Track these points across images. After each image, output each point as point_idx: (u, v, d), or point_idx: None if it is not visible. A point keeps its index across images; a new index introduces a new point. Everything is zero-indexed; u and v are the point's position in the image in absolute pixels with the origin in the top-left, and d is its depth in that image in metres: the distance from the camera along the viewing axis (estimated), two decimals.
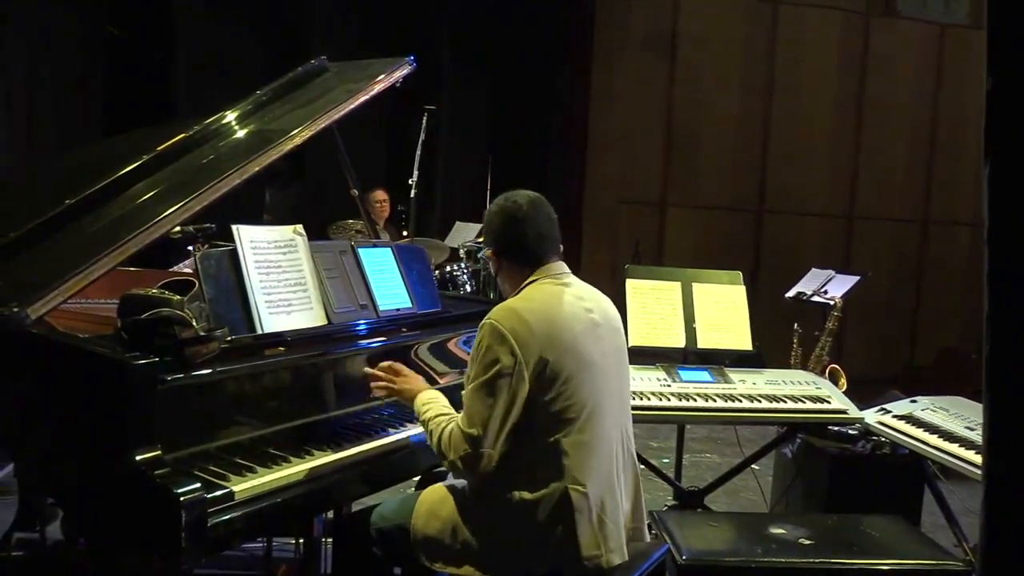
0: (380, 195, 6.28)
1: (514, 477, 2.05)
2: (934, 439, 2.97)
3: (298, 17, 6.76)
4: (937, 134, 8.11)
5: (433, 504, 2.16)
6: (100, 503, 1.92)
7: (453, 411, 2.16)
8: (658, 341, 3.45)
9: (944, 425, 3.05)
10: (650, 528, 2.50)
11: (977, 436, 2.89)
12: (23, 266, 2.21)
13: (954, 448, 2.87)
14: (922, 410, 3.22)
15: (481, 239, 6.23)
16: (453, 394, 2.68)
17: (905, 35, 7.96)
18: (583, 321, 2.13)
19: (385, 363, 2.32)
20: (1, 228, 2.26)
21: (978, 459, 2.75)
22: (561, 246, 2.26)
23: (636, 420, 2.40)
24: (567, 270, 2.23)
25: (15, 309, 1.96)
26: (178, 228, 2.52)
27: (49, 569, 2.80)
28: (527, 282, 2.17)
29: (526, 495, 2.04)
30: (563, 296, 2.14)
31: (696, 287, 3.56)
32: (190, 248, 2.70)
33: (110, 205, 2.38)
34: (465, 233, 6.54)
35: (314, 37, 6.70)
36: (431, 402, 2.19)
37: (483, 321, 2.08)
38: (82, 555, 2.04)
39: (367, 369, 2.33)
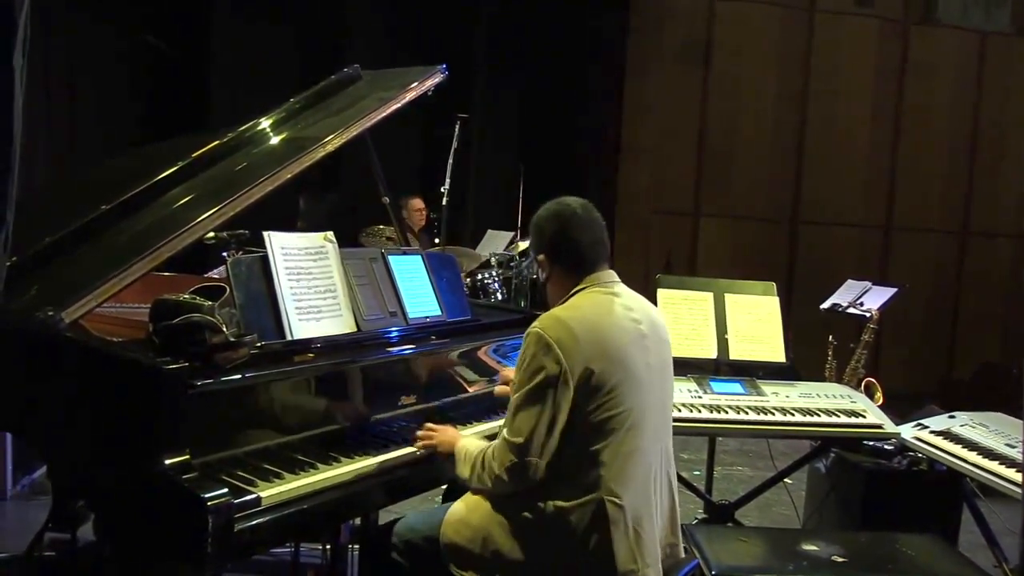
0: (418, 203, 6.31)
1: (550, 486, 2.03)
2: (973, 456, 2.90)
3: (334, 26, 6.83)
4: (977, 144, 7.96)
5: (464, 512, 2.15)
6: (129, 506, 1.93)
7: (488, 444, 2.15)
8: (689, 352, 3.41)
9: (983, 442, 2.97)
10: None
11: (1018, 454, 2.82)
12: (58, 271, 2.24)
13: (994, 466, 2.80)
14: (960, 426, 3.15)
15: (513, 247, 6.25)
16: (482, 402, 2.69)
17: (945, 43, 7.83)
18: (630, 332, 2.10)
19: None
20: (38, 233, 2.30)
21: (1019, 477, 2.68)
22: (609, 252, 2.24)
23: None
24: (616, 278, 2.20)
25: (50, 313, 1.99)
26: (212, 234, 2.54)
27: (80, 570, 2.82)
28: (576, 290, 2.15)
29: (561, 504, 2.02)
30: (611, 305, 2.12)
31: (729, 298, 3.52)
32: (225, 255, 2.73)
33: (145, 211, 2.40)
34: (497, 241, 6.55)
35: (350, 46, 6.75)
36: (468, 445, 2.20)
37: (529, 330, 2.07)
38: (111, 558, 2.05)
39: (418, 432, 2.33)
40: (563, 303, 2.14)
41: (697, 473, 4.53)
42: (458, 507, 2.18)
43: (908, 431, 3.19)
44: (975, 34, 7.85)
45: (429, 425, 2.34)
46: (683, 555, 2.27)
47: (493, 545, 2.07)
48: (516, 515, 2.07)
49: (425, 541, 2.19)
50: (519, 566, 2.05)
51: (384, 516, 2.80)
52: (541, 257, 2.22)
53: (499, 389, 2.64)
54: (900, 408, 3.67)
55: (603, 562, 2.00)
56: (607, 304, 2.12)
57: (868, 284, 4.70)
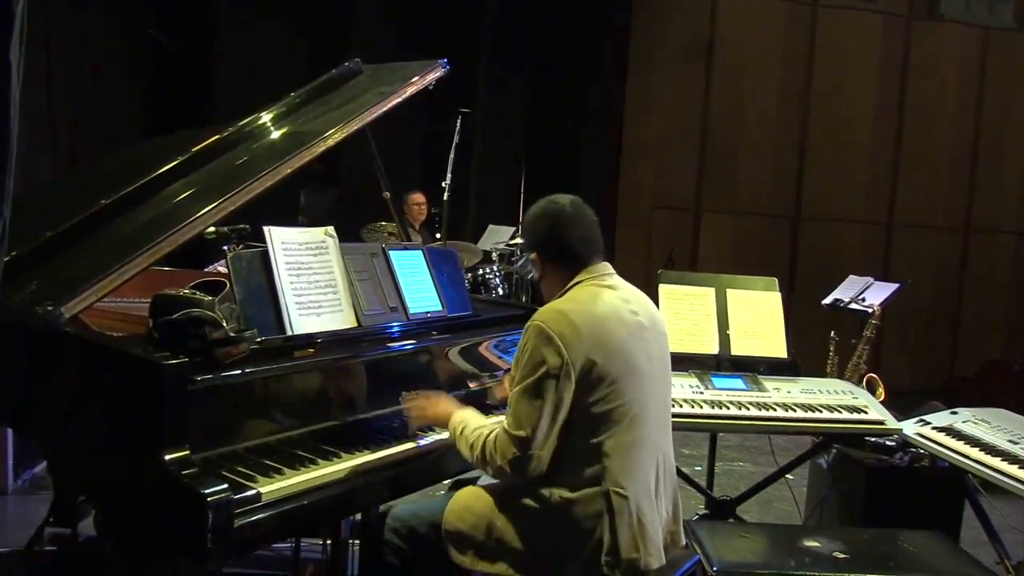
0: (419, 197, 6.32)
1: (554, 476, 2.05)
2: (975, 452, 2.89)
3: (338, 20, 6.81)
4: (980, 140, 7.95)
5: (468, 500, 2.17)
6: (129, 502, 1.93)
7: (489, 423, 2.15)
8: (691, 347, 3.41)
9: (986, 438, 2.96)
10: None
11: (1021, 450, 2.81)
12: (58, 266, 2.23)
13: (996, 462, 2.79)
14: (963, 422, 3.14)
15: (514, 242, 6.24)
16: (482, 398, 2.68)
17: (948, 38, 7.81)
18: (629, 324, 2.11)
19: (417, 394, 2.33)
20: (38, 228, 2.29)
21: (1021, 474, 2.67)
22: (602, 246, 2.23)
23: None
24: (612, 271, 2.21)
25: (50, 308, 1.98)
26: (213, 229, 2.53)
27: (81, 565, 2.83)
28: (572, 284, 2.16)
29: (566, 494, 2.03)
30: (609, 298, 2.13)
31: (731, 293, 3.51)
32: (225, 249, 2.72)
33: (145, 206, 2.40)
34: (498, 236, 6.55)
35: (354, 40, 6.74)
36: (466, 419, 2.19)
37: (529, 323, 2.07)
38: (112, 552, 2.05)
39: (402, 403, 2.32)
40: (561, 297, 2.15)
41: (698, 469, 4.52)
42: (462, 495, 2.19)
43: (910, 427, 3.18)
44: (978, 29, 7.83)
45: (419, 392, 2.32)
46: (683, 542, 2.28)
47: (497, 533, 2.08)
48: (521, 504, 2.08)
49: (428, 527, 2.19)
50: (522, 554, 2.06)
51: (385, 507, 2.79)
52: (534, 256, 2.23)
53: (498, 391, 2.64)
54: (902, 404, 3.66)
55: (606, 551, 2.01)
56: (605, 297, 2.12)
57: (870, 280, 4.68)
